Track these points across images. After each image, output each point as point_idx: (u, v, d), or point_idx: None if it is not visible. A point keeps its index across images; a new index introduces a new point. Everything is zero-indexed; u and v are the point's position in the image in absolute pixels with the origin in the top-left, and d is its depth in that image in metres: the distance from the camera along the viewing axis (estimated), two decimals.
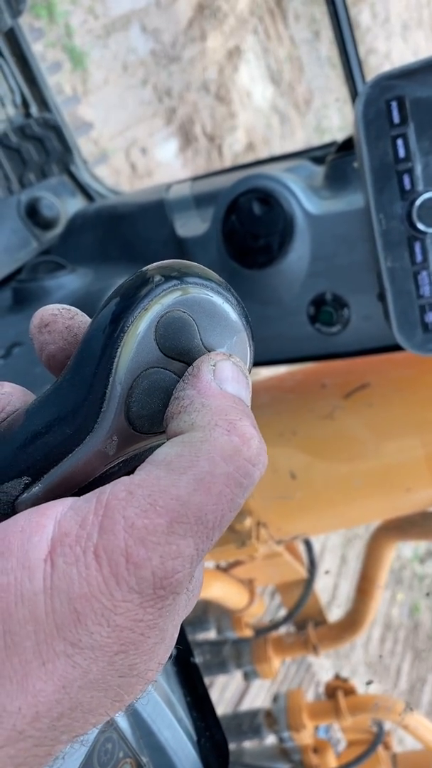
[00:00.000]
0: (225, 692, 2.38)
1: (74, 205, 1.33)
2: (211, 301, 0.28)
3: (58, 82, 2.56)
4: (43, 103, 1.32)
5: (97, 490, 0.24)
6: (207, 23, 3.43)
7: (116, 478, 0.25)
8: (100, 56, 2.95)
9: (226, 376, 0.27)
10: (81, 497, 0.24)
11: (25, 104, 1.31)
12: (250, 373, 0.31)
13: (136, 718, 0.48)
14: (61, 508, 0.24)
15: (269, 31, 3.80)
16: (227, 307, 0.29)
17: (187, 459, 0.24)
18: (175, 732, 0.50)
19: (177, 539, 0.22)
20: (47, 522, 0.23)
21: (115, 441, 0.27)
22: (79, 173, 1.34)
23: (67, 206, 1.31)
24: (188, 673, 0.58)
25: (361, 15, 4.17)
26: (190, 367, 0.27)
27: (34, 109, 1.32)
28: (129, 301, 0.27)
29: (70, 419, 0.27)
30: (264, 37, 3.78)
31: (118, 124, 2.98)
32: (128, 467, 0.28)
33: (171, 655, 0.57)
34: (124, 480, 0.24)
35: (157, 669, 0.24)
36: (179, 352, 0.28)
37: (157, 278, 0.28)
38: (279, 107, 3.85)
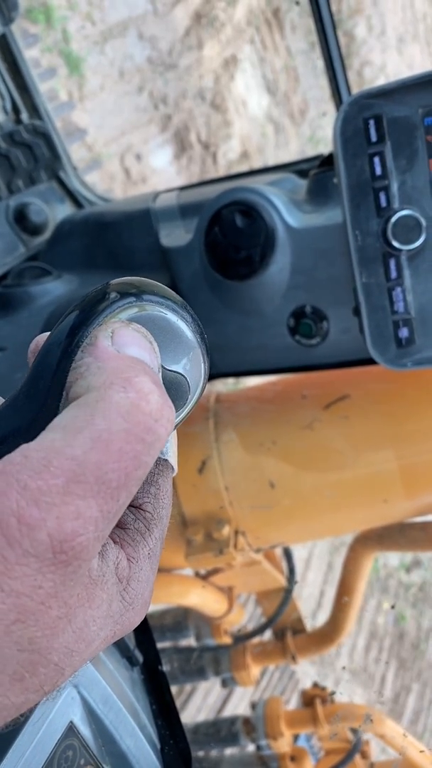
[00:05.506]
0: (208, 698, 2.38)
1: (63, 211, 1.33)
2: (166, 319, 0.29)
3: (53, 88, 2.56)
4: (34, 110, 1.33)
5: None
6: (204, 32, 3.46)
7: None
8: (96, 62, 2.97)
9: (125, 341, 0.26)
10: None
11: (16, 110, 1.32)
12: (203, 391, 0.32)
13: (98, 725, 0.48)
14: None
15: (266, 41, 3.83)
16: (182, 325, 0.29)
17: (83, 419, 0.23)
18: (137, 740, 0.50)
19: (75, 499, 0.21)
20: None
21: None
22: (68, 180, 1.35)
23: (56, 212, 1.32)
24: (155, 681, 0.58)
25: (357, 28, 4.21)
26: (87, 338, 0.27)
27: (24, 116, 1.32)
28: (85, 316, 0.28)
29: (24, 432, 0.28)
30: (260, 46, 3.81)
31: (113, 130, 2.99)
32: None
33: (138, 662, 0.58)
34: (22, 446, 0.23)
35: (63, 652, 0.23)
36: None
37: (114, 295, 0.29)
38: (274, 117, 3.88)
